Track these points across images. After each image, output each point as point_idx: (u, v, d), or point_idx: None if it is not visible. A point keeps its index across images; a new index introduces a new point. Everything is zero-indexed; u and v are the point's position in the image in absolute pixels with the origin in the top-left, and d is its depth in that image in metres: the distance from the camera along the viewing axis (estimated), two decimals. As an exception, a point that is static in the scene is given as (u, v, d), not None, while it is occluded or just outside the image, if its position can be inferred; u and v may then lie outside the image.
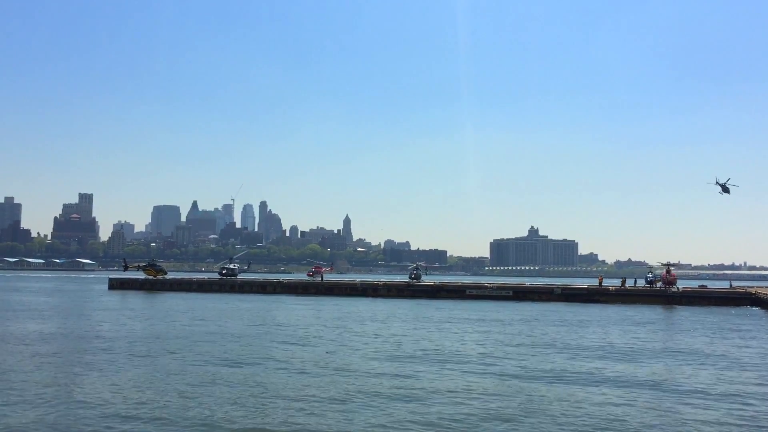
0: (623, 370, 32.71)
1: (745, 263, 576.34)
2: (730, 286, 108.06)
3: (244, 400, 24.95)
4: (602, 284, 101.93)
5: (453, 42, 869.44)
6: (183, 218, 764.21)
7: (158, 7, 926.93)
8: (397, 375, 30.58)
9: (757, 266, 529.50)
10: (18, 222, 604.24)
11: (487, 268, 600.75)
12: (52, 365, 32.68)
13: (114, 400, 24.69)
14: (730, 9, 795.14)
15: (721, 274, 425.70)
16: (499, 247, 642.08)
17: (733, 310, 79.60)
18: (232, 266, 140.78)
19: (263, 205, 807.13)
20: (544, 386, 28.15)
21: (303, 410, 23.30)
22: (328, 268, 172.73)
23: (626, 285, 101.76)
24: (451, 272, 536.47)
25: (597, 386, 28.32)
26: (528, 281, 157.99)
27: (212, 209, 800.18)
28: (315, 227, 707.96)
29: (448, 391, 26.77)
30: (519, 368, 32.89)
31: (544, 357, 37.26)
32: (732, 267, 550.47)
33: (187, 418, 22.07)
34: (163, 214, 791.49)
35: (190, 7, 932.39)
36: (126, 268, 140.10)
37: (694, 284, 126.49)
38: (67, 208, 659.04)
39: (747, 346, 43.96)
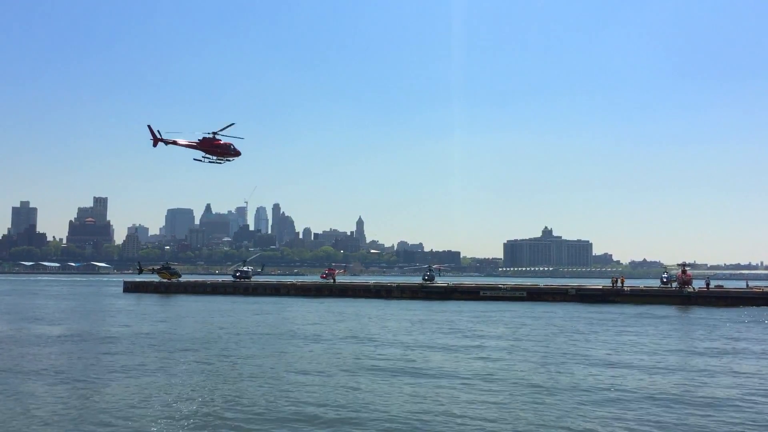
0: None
1: (761, 263, 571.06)
2: (747, 285, 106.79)
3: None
4: (623, 285, 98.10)
5: (466, 41, 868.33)
6: (197, 221, 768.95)
7: (170, 10, 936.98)
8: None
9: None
10: (34, 226, 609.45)
11: (500, 269, 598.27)
12: (72, 368, 32.98)
13: (140, 402, 24.92)
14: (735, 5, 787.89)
15: (737, 274, 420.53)
16: (513, 247, 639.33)
17: (747, 311, 78.68)
18: (245, 269, 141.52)
19: (276, 208, 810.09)
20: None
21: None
22: (341, 270, 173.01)
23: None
24: (464, 273, 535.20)
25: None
26: (542, 282, 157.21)
27: (226, 212, 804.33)
28: (328, 229, 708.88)
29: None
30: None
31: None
32: (749, 267, 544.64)
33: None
34: (177, 217, 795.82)
35: (202, 11, 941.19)
36: (141, 271, 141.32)
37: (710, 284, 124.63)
38: (82, 211, 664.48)
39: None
